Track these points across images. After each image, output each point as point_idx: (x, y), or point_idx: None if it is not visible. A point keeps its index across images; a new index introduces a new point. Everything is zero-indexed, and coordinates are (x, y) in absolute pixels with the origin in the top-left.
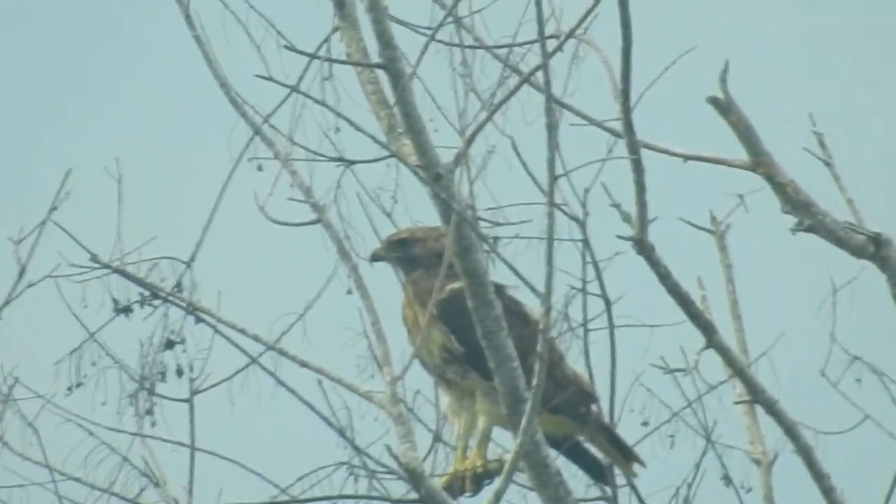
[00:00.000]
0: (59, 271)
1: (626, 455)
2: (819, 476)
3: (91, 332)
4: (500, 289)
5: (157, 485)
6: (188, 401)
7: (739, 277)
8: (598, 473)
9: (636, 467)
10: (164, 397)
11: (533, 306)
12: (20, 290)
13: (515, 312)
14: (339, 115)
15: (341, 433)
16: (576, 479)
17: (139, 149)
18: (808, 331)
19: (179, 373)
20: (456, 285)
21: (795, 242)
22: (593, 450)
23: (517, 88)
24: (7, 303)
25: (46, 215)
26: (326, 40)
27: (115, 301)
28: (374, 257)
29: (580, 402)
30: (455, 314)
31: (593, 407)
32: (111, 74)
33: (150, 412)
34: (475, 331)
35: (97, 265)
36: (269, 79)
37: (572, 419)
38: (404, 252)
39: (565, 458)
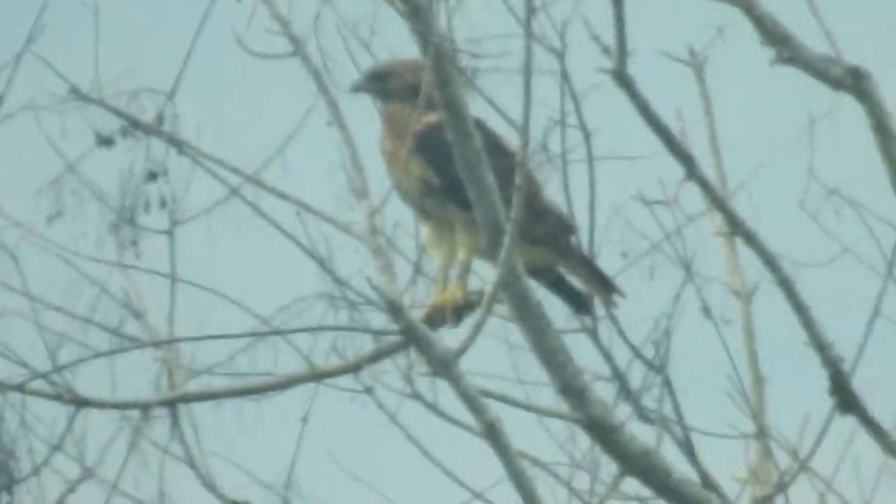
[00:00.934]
0: (38, 102)
1: (606, 286)
2: (799, 308)
3: (70, 162)
4: (478, 122)
5: (137, 316)
6: (169, 232)
7: (718, 111)
8: (580, 305)
9: (616, 298)
10: (146, 228)
11: (512, 139)
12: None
13: (494, 145)
14: None
15: (321, 264)
16: (555, 310)
17: None
18: (786, 164)
19: (163, 204)
20: (432, 118)
21: (774, 75)
22: (574, 281)
23: None
24: None
25: (23, 46)
26: None
27: (97, 133)
28: (354, 89)
29: (559, 232)
30: (432, 146)
31: (572, 238)
32: None
33: (134, 243)
34: (452, 163)
35: (76, 96)
36: None
37: (551, 250)
38: (382, 85)
39: (546, 290)
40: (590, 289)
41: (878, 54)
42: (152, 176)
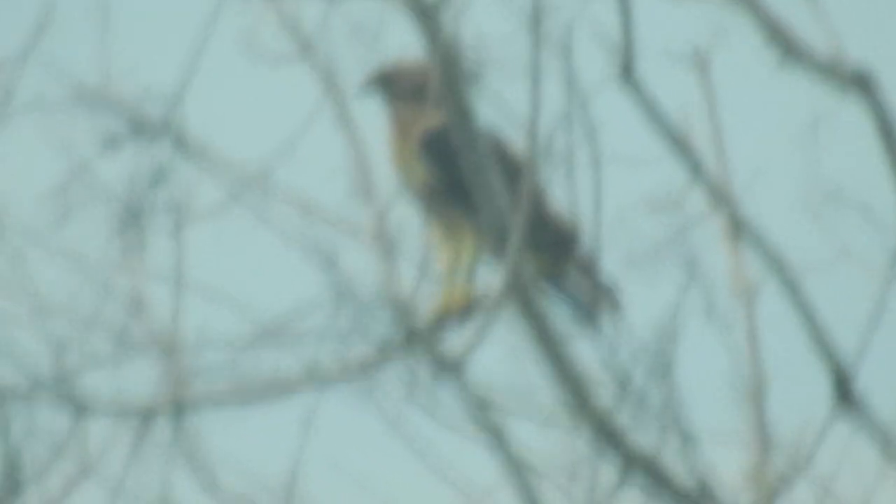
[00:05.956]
0: (44, 101)
1: (608, 297)
2: (803, 310)
3: (78, 166)
4: (484, 126)
5: (142, 318)
6: (174, 233)
7: (722, 112)
8: (583, 312)
9: (619, 305)
10: (151, 230)
11: (518, 140)
12: (5, 117)
13: (500, 149)
14: None
15: (326, 265)
16: (560, 313)
17: None
18: (790, 165)
19: (169, 208)
20: (438, 120)
21: (778, 76)
22: (577, 289)
23: None
24: None
25: (29, 42)
26: None
27: (104, 136)
28: (361, 90)
29: (562, 240)
30: (436, 149)
31: (576, 246)
32: None
33: (140, 249)
34: (457, 166)
35: (83, 97)
36: None
37: (554, 258)
38: (389, 86)
39: (549, 297)
40: (592, 298)
41: (884, 56)
42: (157, 180)
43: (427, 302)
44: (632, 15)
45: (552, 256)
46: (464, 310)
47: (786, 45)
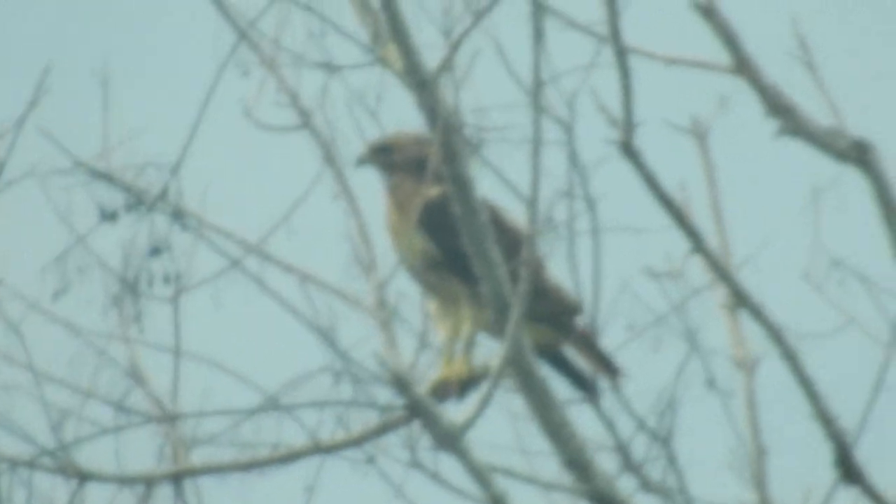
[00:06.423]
0: (40, 172)
1: (608, 368)
2: (803, 380)
3: (77, 237)
4: (483, 197)
5: (141, 388)
6: (173, 301)
7: (723, 182)
8: (582, 384)
9: (619, 379)
10: (150, 296)
11: (517, 212)
12: (2, 187)
13: (498, 220)
14: (324, 19)
15: (325, 338)
16: (560, 382)
17: (121, 49)
18: (790, 235)
19: (167, 280)
20: (436, 191)
21: (778, 146)
22: (577, 361)
23: None
24: None
25: (25, 111)
26: None
27: (101, 209)
28: (359, 161)
29: (561, 312)
30: (434, 221)
31: (576, 318)
32: None
33: (137, 318)
34: (456, 237)
35: (81, 170)
36: None
37: (554, 330)
38: (387, 157)
39: (549, 368)
40: (593, 369)
41: (882, 126)
42: (155, 252)
43: (427, 373)
44: (632, 85)
45: (552, 327)
46: (464, 381)
47: (785, 116)
